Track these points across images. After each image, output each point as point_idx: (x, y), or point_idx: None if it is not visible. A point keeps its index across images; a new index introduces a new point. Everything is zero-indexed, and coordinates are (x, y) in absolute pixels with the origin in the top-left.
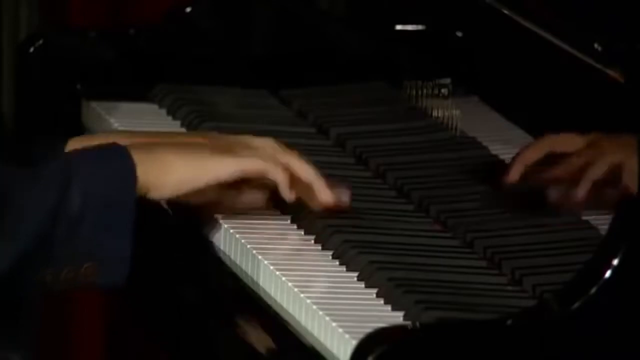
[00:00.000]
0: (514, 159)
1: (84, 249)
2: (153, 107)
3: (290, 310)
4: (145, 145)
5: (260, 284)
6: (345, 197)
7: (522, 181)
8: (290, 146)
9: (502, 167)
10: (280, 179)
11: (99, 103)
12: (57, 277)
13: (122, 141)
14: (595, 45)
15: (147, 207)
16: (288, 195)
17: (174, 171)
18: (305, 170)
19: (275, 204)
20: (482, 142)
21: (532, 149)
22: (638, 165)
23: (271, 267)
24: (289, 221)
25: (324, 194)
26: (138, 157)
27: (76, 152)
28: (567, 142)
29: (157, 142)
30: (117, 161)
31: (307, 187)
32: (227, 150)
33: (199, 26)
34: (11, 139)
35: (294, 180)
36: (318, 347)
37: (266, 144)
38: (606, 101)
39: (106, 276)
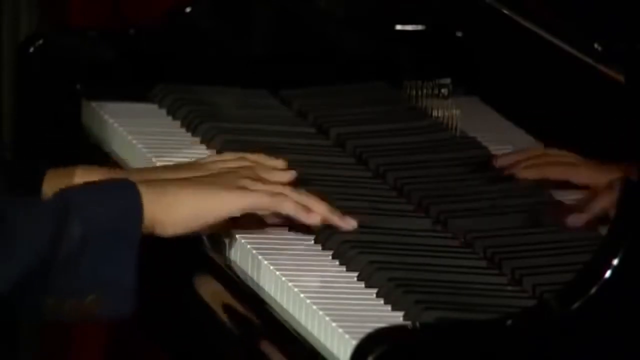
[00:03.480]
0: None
1: (86, 280)
2: (153, 107)
3: (291, 310)
4: (155, 182)
5: (261, 284)
6: (353, 222)
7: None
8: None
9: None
10: (291, 209)
11: (99, 103)
12: (60, 308)
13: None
14: (595, 45)
15: None
16: (309, 219)
17: (183, 208)
18: (319, 208)
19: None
20: (482, 142)
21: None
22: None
23: (271, 268)
24: None
25: (345, 224)
26: (147, 194)
27: (82, 184)
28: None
29: (166, 179)
30: (124, 195)
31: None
32: (238, 186)
33: (199, 26)
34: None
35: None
36: (318, 347)
37: (277, 179)
38: (606, 101)
39: (111, 308)
